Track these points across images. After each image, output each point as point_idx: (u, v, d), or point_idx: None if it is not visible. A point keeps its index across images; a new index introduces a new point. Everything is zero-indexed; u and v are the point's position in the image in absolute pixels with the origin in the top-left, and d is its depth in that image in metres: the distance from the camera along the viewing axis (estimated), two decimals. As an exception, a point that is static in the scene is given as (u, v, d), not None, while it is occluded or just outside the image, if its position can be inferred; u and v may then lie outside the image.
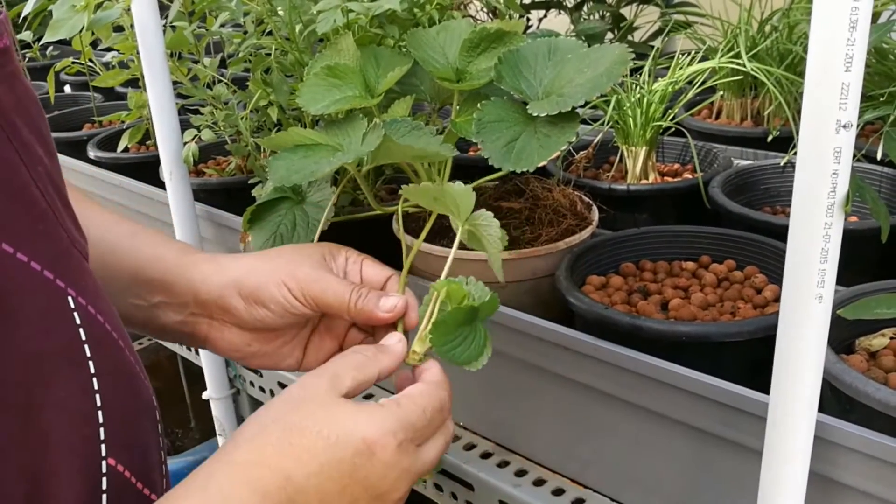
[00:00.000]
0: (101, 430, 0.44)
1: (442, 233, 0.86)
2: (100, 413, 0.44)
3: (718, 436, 0.65)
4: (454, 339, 0.58)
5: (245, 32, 1.06)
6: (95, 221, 0.64)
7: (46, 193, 0.44)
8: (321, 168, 0.73)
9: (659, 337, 0.69)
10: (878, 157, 0.94)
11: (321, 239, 0.86)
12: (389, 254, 0.90)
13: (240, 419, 1.17)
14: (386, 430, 0.49)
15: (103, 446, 0.44)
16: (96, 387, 0.44)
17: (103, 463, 0.44)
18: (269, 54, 1.04)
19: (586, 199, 0.90)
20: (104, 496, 0.44)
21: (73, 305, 0.43)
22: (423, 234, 0.72)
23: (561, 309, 0.78)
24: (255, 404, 1.15)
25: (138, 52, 1.00)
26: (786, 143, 1.10)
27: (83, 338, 0.44)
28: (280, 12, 0.99)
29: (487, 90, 0.81)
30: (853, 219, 0.92)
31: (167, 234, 0.70)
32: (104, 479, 0.44)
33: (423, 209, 0.89)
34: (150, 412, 0.51)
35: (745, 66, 1.05)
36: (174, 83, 1.05)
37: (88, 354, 0.44)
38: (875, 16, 1.12)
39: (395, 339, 0.59)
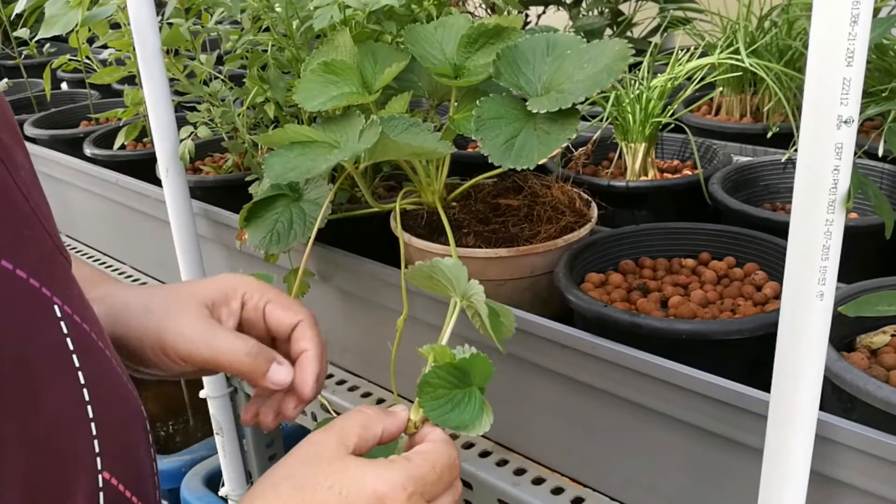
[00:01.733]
0: (95, 442, 0.43)
1: (440, 230, 0.85)
2: (92, 425, 0.43)
3: (718, 434, 0.64)
4: (445, 402, 0.57)
5: (242, 29, 1.06)
6: None
7: (30, 198, 0.43)
8: (317, 165, 0.73)
9: (658, 335, 0.68)
10: (880, 153, 0.94)
11: (318, 238, 0.86)
12: (387, 251, 0.89)
13: (237, 417, 1.17)
14: (396, 483, 0.48)
15: (98, 460, 0.43)
16: (87, 398, 0.43)
17: (99, 477, 0.43)
18: (266, 51, 1.04)
19: (585, 196, 0.89)
20: None
21: (59, 314, 0.42)
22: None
23: (560, 306, 0.77)
24: (253, 403, 1.14)
25: (134, 49, 1.00)
26: (785, 139, 1.09)
27: (71, 347, 0.42)
28: (277, 8, 0.98)
29: (486, 86, 0.81)
30: (854, 215, 0.92)
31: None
32: (101, 494, 0.43)
33: (422, 206, 0.89)
34: (139, 421, 0.50)
35: (744, 62, 1.04)
36: (170, 80, 1.04)
37: (77, 365, 0.43)
38: (875, 11, 1.11)
39: (400, 407, 0.58)
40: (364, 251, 0.92)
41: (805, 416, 0.52)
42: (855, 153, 0.88)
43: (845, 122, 0.44)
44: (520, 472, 0.81)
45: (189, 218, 1.06)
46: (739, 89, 1.27)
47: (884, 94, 0.87)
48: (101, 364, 0.46)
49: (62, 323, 0.42)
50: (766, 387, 0.54)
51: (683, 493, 0.70)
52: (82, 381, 0.43)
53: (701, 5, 1.39)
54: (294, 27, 0.97)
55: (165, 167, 1.03)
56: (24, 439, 0.38)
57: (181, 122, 1.08)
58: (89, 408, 0.43)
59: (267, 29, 1.03)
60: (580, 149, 1.10)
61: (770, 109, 1.20)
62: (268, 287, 0.64)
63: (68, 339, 0.42)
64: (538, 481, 0.79)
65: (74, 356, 0.42)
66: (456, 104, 0.83)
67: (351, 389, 0.98)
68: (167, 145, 1.02)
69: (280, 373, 0.60)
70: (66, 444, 0.41)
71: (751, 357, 0.69)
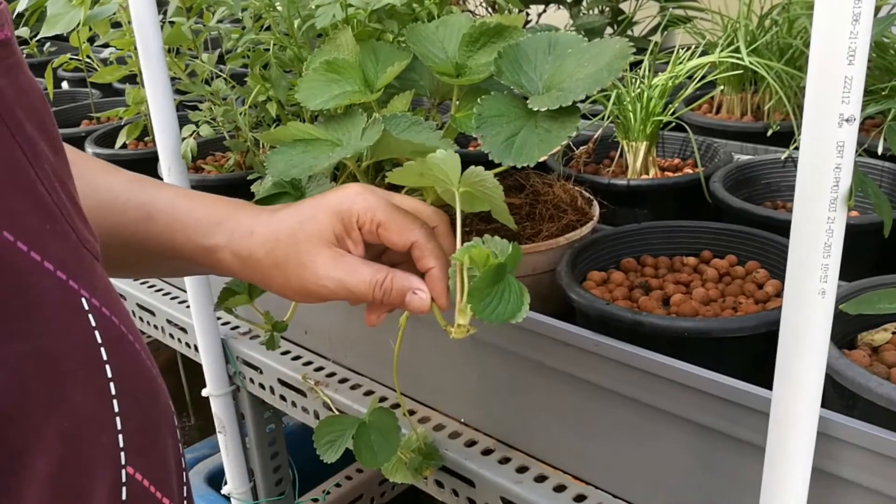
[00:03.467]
0: (120, 437, 0.43)
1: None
2: (118, 419, 0.43)
3: (720, 431, 0.64)
4: (492, 300, 0.58)
5: (243, 28, 1.06)
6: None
7: (52, 191, 0.43)
8: (320, 163, 0.73)
9: (660, 332, 0.68)
10: (879, 151, 0.94)
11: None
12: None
13: (239, 416, 1.17)
14: None
15: (122, 454, 0.43)
16: (113, 392, 0.43)
17: (122, 472, 0.43)
18: (268, 49, 1.04)
19: (587, 195, 0.89)
20: None
21: (87, 307, 0.42)
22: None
23: (562, 304, 0.77)
24: (255, 401, 1.14)
25: (136, 48, 1.00)
26: (786, 137, 1.09)
27: (99, 341, 0.42)
28: (279, 7, 0.98)
29: (487, 85, 0.81)
30: (854, 213, 0.92)
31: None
32: (123, 489, 0.44)
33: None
34: (168, 417, 0.50)
35: (744, 61, 1.04)
36: (172, 79, 1.04)
37: (105, 358, 0.43)
38: (876, 9, 1.11)
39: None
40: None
41: (806, 414, 0.52)
42: (856, 151, 0.88)
43: (847, 120, 0.45)
44: (522, 469, 0.81)
45: (191, 217, 1.06)
46: (740, 88, 1.27)
47: (884, 93, 0.87)
48: (132, 358, 0.46)
49: (90, 315, 0.42)
50: (767, 384, 0.55)
51: (685, 490, 0.70)
52: (109, 375, 0.43)
53: (701, 4, 1.40)
54: (296, 26, 0.97)
55: (167, 166, 1.03)
56: (48, 431, 0.38)
57: (183, 121, 1.08)
58: (115, 402, 0.43)
59: (268, 28, 1.03)
60: (581, 147, 1.11)
61: (771, 108, 1.20)
62: (377, 206, 0.63)
63: (96, 332, 0.42)
64: (540, 479, 0.80)
65: (102, 349, 0.42)
66: (458, 103, 0.83)
67: (353, 388, 0.99)
68: (169, 144, 1.02)
69: (415, 302, 0.61)
70: (90, 437, 0.41)
71: (752, 355, 0.69)
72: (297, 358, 1.07)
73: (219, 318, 1.15)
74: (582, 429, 0.76)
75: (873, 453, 0.56)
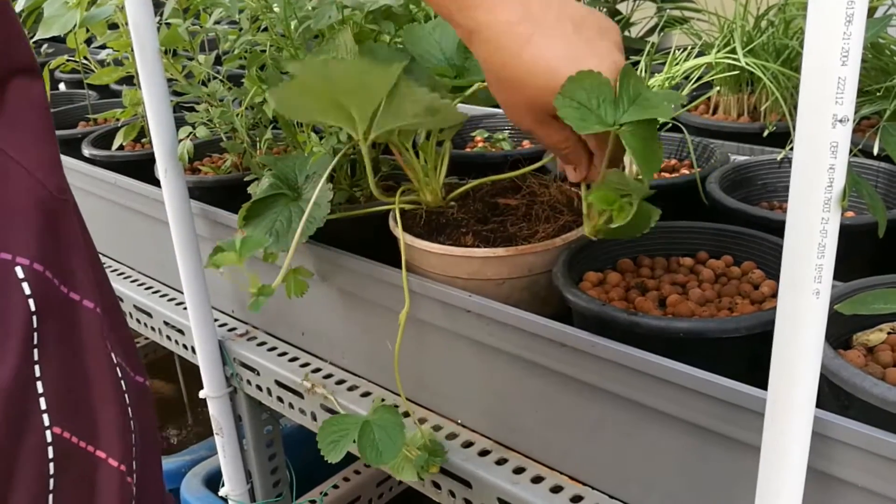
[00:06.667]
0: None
1: (438, 229, 0.86)
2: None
3: (716, 432, 0.65)
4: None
5: (240, 29, 1.06)
6: None
7: None
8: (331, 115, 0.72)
9: (657, 333, 0.68)
10: (875, 151, 0.94)
11: (316, 237, 0.86)
12: (385, 251, 0.90)
13: (237, 417, 1.17)
14: None
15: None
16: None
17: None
18: (265, 51, 1.04)
19: (583, 196, 0.89)
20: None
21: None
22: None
23: (558, 305, 0.77)
24: (252, 402, 1.14)
25: (133, 50, 1.00)
26: (782, 138, 1.10)
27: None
28: (275, 9, 0.99)
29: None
30: (850, 214, 0.92)
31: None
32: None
33: (420, 206, 0.89)
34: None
35: (740, 62, 1.05)
36: (169, 80, 1.04)
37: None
38: (871, 10, 1.11)
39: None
40: (363, 251, 0.92)
41: (802, 414, 0.52)
42: (851, 151, 0.88)
43: (840, 121, 0.45)
44: (519, 470, 0.81)
45: (188, 218, 1.06)
46: (737, 88, 1.27)
47: (879, 94, 0.87)
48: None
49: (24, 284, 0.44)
50: (763, 385, 0.55)
51: (681, 491, 0.70)
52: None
53: (698, 5, 1.40)
54: (292, 27, 0.97)
55: (164, 167, 1.03)
56: None
57: (180, 123, 1.08)
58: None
59: (265, 29, 1.03)
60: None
61: (767, 108, 1.20)
62: None
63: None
64: (537, 480, 0.80)
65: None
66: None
67: (350, 389, 0.99)
68: (166, 146, 1.02)
69: (570, 174, 0.74)
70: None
71: (748, 355, 0.69)
72: (294, 359, 1.07)
73: (216, 320, 1.15)
74: (578, 430, 0.76)
75: (868, 453, 0.56)
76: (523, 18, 0.63)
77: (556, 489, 0.78)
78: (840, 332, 0.68)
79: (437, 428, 0.89)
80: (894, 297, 0.62)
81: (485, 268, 0.81)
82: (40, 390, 0.45)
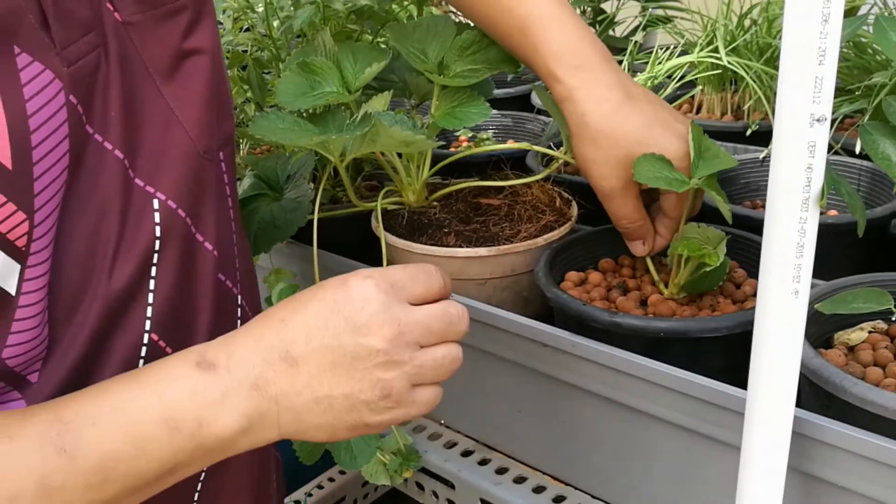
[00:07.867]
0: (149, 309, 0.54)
1: (421, 229, 0.85)
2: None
3: (697, 432, 0.65)
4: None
5: (222, 29, 1.05)
6: None
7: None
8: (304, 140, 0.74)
9: (638, 333, 0.68)
10: (857, 150, 0.94)
11: (298, 238, 0.85)
12: (368, 251, 0.89)
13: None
14: (363, 273, 0.53)
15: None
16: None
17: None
18: (246, 51, 1.03)
19: (566, 195, 0.89)
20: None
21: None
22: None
23: (540, 305, 0.77)
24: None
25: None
26: (766, 137, 1.09)
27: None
28: (258, 9, 0.98)
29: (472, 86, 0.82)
30: (833, 213, 0.92)
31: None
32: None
33: (403, 206, 0.88)
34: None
35: (723, 61, 1.05)
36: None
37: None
38: (853, 10, 1.12)
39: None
40: (345, 251, 0.91)
41: (782, 413, 0.52)
42: (834, 150, 0.88)
43: (818, 120, 0.45)
44: (501, 470, 0.81)
45: (169, 218, 1.05)
46: (720, 87, 1.27)
47: (859, 93, 0.87)
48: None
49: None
50: (745, 384, 0.55)
51: (663, 490, 0.70)
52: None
53: (682, 3, 1.40)
54: (274, 27, 0.96)
55: (145, 168, 1.02)
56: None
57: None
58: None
59: (248, 29, 1.03)
60: (561, 147, 1.10)
61: (750, 108, 1.20)
62: None
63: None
64: (520, 480, 0.80)
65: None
66: (437, 102, 0.83)
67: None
68: (147, 146, 1.02)
69: (637, 248, 0.79)
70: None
71: (730, 355, 0.69)
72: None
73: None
74: (561, 430, 0.76)
75: (849, 453, 0.56)
76: (620, 82, 0.73)
77: (539, 489, 0.78)
78: (821, 331, 0.68)
79: (420, 429, 0.88)
80: (875, 296, 0.62)
81: (467, 267, 0.80)
82: (150, 300, 0.54)
